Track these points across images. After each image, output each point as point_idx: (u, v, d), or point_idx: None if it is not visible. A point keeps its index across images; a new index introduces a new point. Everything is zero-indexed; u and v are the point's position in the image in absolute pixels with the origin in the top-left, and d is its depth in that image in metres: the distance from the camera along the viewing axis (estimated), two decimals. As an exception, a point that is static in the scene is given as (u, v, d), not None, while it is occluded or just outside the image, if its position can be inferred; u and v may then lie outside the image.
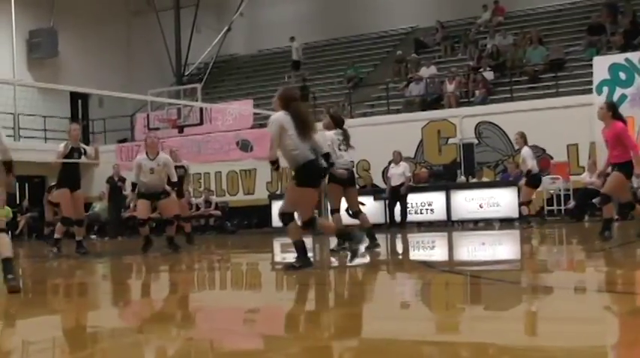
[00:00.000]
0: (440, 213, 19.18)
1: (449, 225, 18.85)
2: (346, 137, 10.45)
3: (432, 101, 23.26)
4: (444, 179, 20.38)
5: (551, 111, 19.74)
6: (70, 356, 4.22)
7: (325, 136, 10.17)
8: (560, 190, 19.28)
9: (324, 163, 8.00)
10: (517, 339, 4.05)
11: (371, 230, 10.44)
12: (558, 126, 19.35)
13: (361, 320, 5.09)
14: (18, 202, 25.96)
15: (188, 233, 14.80)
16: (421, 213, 19.36)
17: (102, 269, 11.02)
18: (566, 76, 21.80)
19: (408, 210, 19.05)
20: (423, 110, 22.51)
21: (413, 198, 19.26)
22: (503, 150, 20.60)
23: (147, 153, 12.49)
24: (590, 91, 19.38)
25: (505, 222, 18.13)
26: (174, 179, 13.01)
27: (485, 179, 20.02)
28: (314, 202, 8.08)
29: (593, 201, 18.02)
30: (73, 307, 6.58)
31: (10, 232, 25.88)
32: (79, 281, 9.16)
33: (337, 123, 10.62)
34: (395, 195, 18.84)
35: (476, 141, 20.97)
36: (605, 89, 18.96)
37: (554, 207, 19.21)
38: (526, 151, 15.54)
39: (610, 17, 23.26)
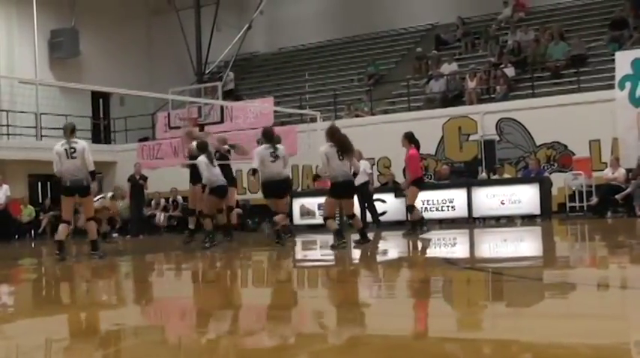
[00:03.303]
0: (461, 210, 19.05)
1: (470, 222, 18.77)
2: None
3: (453, 98, 23.16)
4: (465, 176, 20.28)
5: (573, 106, 19.60)
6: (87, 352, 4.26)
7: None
8: (582, 186, 19.09)
9: None
10: (540, 336, 4.02)
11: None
12: (580, 122, 19.21)
13: (384, 318, 5.07)
14: (40, 201, 26.13)
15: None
16: (442, 210, 19.26)
17: (123, 267, 11.07)
18: (588, 72, 21.61)
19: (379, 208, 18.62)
20: (444, 107, 22.41)
21: (434, 195, 19.09)
22: (525, 147, 20.48)
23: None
24: (612, 87, 19.22)
25: (527, 219, 18.02)
26: None
27: (506, 175, 19.88)
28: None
29: (616, 196, 18.02)
30: (97, 304, 6.62)
31: (32, 231, 25.91)
32: (107, 279, 9.22)
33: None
34: (361, 195, 17.10)
35: (497, 138, 20.87)
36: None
37: (577, 204, 19.06)
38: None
39: (633, 11, 23.01)
